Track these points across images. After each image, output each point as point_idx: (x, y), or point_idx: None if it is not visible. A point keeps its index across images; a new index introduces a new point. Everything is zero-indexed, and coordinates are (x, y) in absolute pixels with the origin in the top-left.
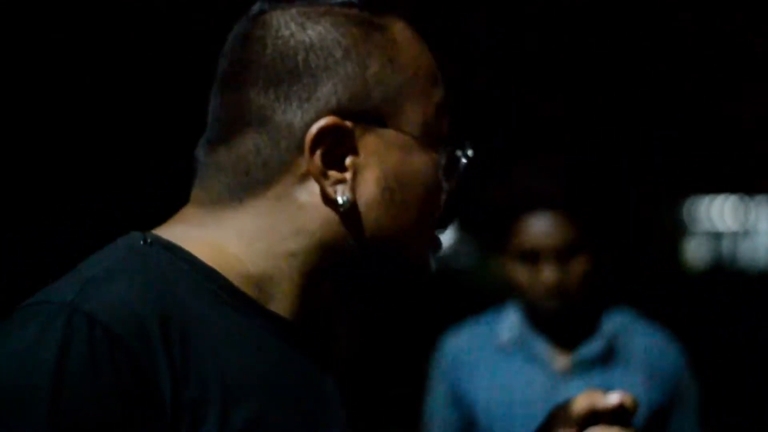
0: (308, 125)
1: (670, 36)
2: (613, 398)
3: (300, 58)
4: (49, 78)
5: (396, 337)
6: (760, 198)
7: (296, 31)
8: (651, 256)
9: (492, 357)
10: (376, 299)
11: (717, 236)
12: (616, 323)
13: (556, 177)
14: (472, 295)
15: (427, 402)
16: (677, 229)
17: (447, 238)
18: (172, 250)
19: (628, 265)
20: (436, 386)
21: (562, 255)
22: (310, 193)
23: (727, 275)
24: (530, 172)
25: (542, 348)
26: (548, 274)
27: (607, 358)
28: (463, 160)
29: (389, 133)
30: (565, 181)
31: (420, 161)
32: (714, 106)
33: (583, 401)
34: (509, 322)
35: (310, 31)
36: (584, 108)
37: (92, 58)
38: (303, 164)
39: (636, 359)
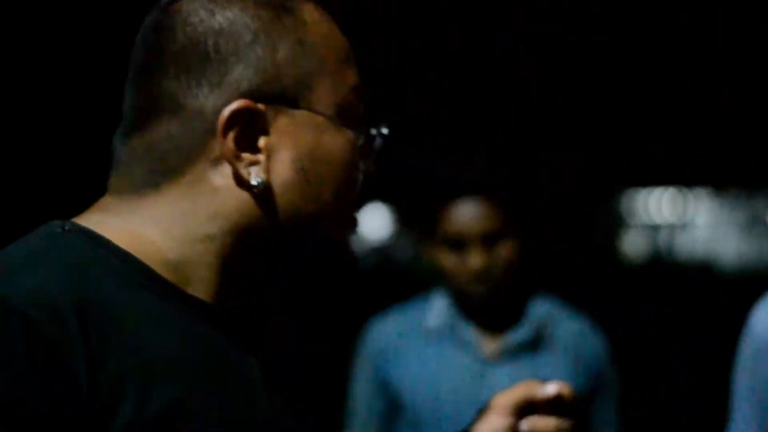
0: (220, 109)
1: (616, 24)
2: (551, 388)
3: (210, 43)
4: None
5: (334, 331)
6: (697, 190)
7: (205, 17)
8: (589, 248)
9: (420, 343)
10: (303, 282)
11: (655, 229)
12: (543, 310)
13: (482, 164)
14: (412, 287)
15: (351, 388)
16: (615, 222)
17: (386, 231)
18: (91, 237)
19: (567, 256)
20: (361, 373)
21: (488, 241)
22: (224, 176)
23: (665, 267)
24: (456, 160)
25: (470, 334)
26: (475, 259)
27: (535, 344)
28: (379, 139)
29: (302, 114)
30: (491, 168)
31: (334, 141)
32: (652, 100)
33: (520, 391)
34: (437, 309)
35: (219, 17)
36: (523, 98)
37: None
38: (216, 148)
39: (562, 346)
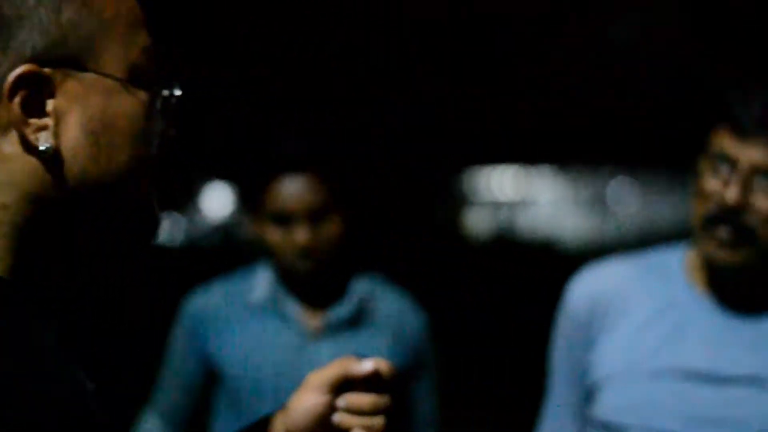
0: (6, 75)
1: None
2: (367, 365)
3: None
4: None
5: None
6: (540, 168)
7: None
8: (432, 226)
9: (243, 315)
10: (107, 249)
11: (498, 206)
12: (365, 287)
13: (309, 139)
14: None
15: (167, 357)
16: (459, 200)
17: (228, 210)
18: None
19: (410, 234)
20: (179, 342)
21: (313, 217)
22: (13, 143)
23: (508, 245)
24: (284, 135)
25: (294, 308)
26: (300, 235)
27: (357, 321)
28: (174, 101)
29: (90, 77)
30: (317, 144)
31: (125, 103)
32: (492, 80)
33: (337, 368)
34: (261, 282)
35: None
36: (363, 72)
37: None
38: (4, 115)
39: (382, 323)
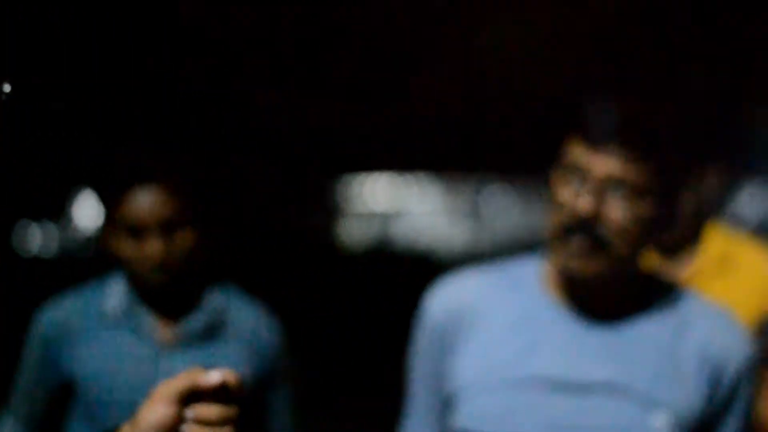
0: None
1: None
2: (215, 376)
3: None
4: None
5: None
6: (416, 176)
7: None
8: (305, 236)
9: (96, 327)
10: None
11: (374, 216)
12: (220, 299)
13: (160, 150)
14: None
15: (22, 366)
16: (333, 209)
17: (101, 219)
18: None
19: (281, 245)
20: (33, 352)
21: (166, 229)
22: None
23: (384, 256)
24: (136, 146)
25: (147, 320)
26: (152, 247)
27: (210, 332)
28: (5, 97)
29: None
30: (169, 155)
31: None
32: (364, 86)
33: (184, 379)
34: (115, 293)
35: None
36: (226, 79)
37: None
38: None
39: (237, 334)
